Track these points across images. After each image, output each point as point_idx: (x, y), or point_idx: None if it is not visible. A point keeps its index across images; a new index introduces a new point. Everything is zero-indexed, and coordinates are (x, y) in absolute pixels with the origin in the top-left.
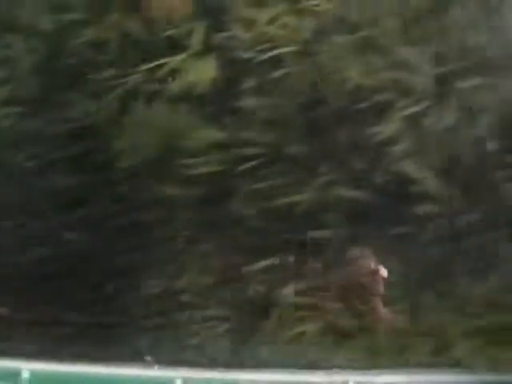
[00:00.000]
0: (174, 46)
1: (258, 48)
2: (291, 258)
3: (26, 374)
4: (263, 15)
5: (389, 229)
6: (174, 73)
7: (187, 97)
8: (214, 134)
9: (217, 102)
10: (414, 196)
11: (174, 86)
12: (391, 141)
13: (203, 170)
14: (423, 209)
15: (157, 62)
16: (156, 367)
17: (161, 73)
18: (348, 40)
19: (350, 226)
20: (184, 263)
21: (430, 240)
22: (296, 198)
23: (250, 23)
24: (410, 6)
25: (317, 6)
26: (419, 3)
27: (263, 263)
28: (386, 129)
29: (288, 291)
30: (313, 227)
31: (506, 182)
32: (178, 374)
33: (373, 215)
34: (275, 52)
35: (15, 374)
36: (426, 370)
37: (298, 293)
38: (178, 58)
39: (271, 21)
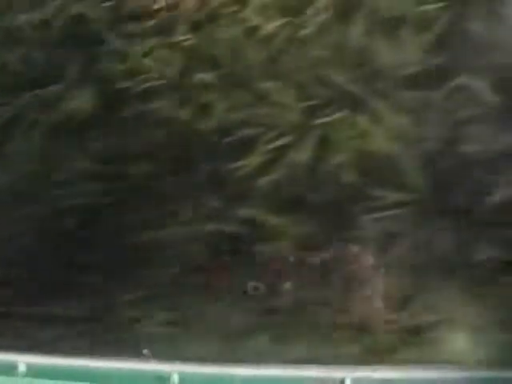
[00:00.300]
0: (51, 76)
1: (133, 80)
2: (159, 290)
3: (22, 368)
4: (138, 48)
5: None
6: (50, 103)
7: (63, 127)
8: (87, 165)
9: (93, 133)
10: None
11: (50, 117)
12: (256, 174)
13: (75, 201)
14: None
15: (33, 93)
16: (153, 361)
17: (37, 103)
18: (216, 74)
19: (215, 259)
20: (50, 296)
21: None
22: (163, 231)
23: (125, 55)
24: (277, 41)
25: (187, 40)
26: (285, 38)
27: (131, 296)
28: (251, 162)
29: (157, 321)
30: (180, 260)
31: (365, 215)
32: (175, 368)
33: (236, 249)
34: (148, 85)
35: (12, 368)
36: (423, 367)
37: (168, 323)
38: (55, 88)
39: (145, 54)
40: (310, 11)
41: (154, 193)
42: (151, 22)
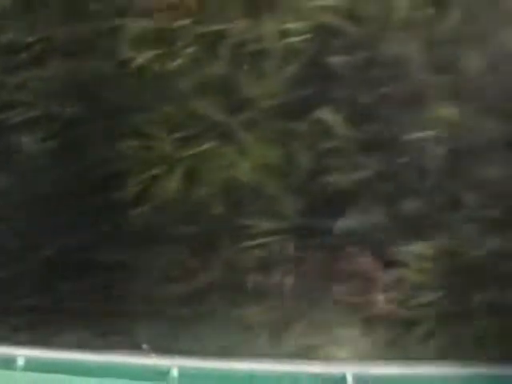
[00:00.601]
0: None
1: (6, 113)
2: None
3: (21, 362)
4: (13, 79)
5: None
6: None
7: None
8: None
9: None
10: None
11: None
12: (127, 207)
13: None
14: None
15: None
16: (152, 356)
17: None
18: (88, 106)
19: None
20: None
21: None
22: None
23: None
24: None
25: (60, 72)
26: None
27: None
28: (122, 195)
29: None
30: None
31: (234, 244)
32: (174, 362)
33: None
34: (22, 117)
35: (10, 361)
36: (422, 362)
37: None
38: None
39: (19, 85)
40: (179, 43)
41: (23, 228)
42: (25, 55)
